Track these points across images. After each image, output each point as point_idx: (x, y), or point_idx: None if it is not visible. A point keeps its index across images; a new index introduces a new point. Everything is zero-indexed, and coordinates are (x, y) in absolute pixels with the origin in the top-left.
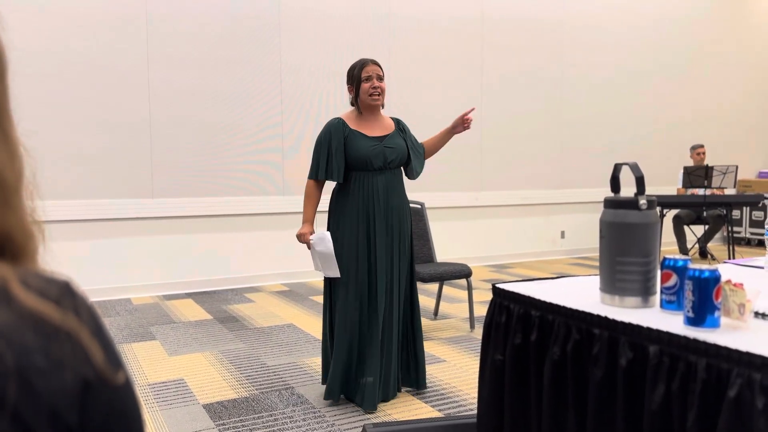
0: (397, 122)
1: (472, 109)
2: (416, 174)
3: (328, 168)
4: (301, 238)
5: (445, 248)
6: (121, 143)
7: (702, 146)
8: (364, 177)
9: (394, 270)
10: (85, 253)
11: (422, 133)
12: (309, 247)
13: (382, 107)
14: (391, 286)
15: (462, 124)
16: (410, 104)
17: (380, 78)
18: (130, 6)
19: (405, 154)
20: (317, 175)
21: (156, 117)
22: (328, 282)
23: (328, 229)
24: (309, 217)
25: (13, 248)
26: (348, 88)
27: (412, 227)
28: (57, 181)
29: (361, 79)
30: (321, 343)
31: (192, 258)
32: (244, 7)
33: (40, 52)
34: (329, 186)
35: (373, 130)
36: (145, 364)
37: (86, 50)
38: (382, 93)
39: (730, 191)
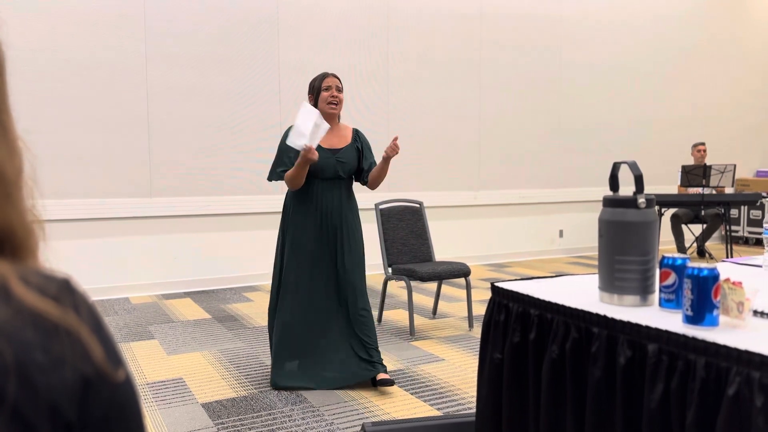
0: (356, 134)
1: (396, 138)
2: (365, 181)
3: (282, 172)
4: (309, 152)
5: (444, 247)
6: (119, 142)
7: (703, 144)
8: (315, 184)
9: (347, 281)
10: (82, 252)
11: (420, 131)
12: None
13: (338, 119)
14: (333, 287)
15: (392, 149)
16: (408, 102)
17: (339, 90)
18: (128, 5)
19: (355, 167)
20: (272, 177)
21: (154, 116)
22: (277, 282)
23: (282, 230)
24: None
25: (13, 244)
26: (309, 97)
27: (361, 233)
28: (55, 180)
29: (321, 89)
30: (268, 331)
31: (190, 257)
32: (243, 5)
33: (37, 50)
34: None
35: (329, 141)
36: (144, 364)
37: (84, 49)
38: (339, 103)
39: (728, 190)
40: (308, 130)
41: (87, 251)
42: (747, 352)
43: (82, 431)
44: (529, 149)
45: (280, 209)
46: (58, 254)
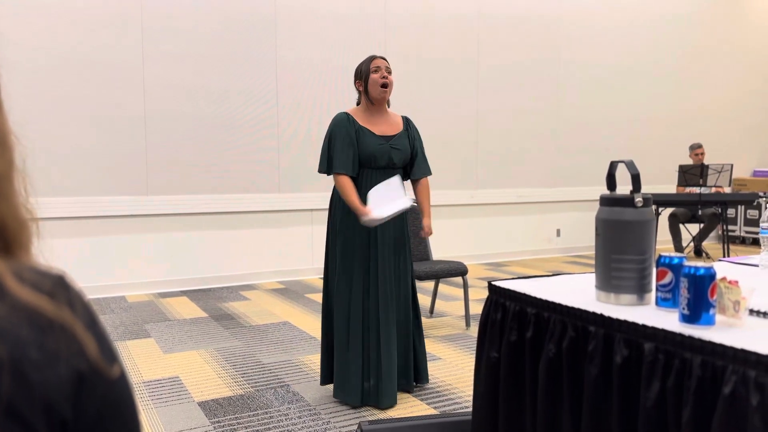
0: (407, 121)
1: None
2: (421, 174)
3: (344, 160)
4: (369, 216)
5: (441, 246)
6: (116, 140)
7: (701, 146)
8: (367, 174)
9: (399, 269)
10: (79, 250)
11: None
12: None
13: (388, 105)
14: (394, 285)
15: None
16: (405, 101)
17: (389, 71)
18: (125, 2)
19: (409, 156)
20: (332, 168)
21: (151, 113)
22: (328, 280)
23: (331, 224)
24: (358, 201)
25: (6, 237)
26: (356, 84)
27: (409, 226)
28: (51, 178)
29: (370, 71)
30: (321, 343)
31: (187, 255)
32: (240, 3)
33: (35, 48)
34: (328, 182)
35: (381, 128)
36: (140, 362)
37: (81, 46)
38: (390, 85)
39: (725, 190)
40: (388, 203)
41: (83, 249)
42: (743, 351)
43: (77, 427)
44: (527, 148)
45: (277, 208)
46: (55, 252)
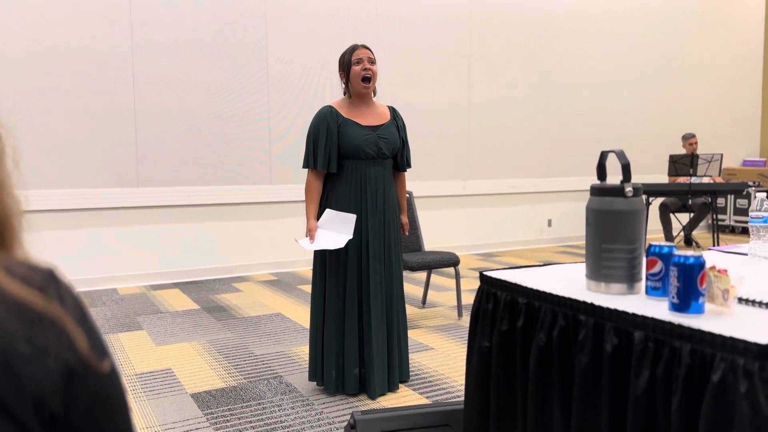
0: (393, 111)
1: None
2: (406, 166)
3: (323, 158)
4: (313, 233)
5: (433, 237)
6: (106, 132)
7: (693, 136)
8: (356, 166)
9: (392, 260)
10: (70, 243)
11: (409, 121)
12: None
13: (374, 94)
14: (384, 277)
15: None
16: (398, 96)
17: (371, 61)
18: None
19: (398, 145)
20: (315, 164)
21: (141, 106)
22: (320, 272)
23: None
24: (313, 213)
25: None
26: (339, 75)
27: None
28: (41, 171)
29: (352, 63)
30: (310, 335)
31: (179, 248)
32: None
33: (23, 39)
34: None
35: (366, 119)
36: (132, 354)
37: (70, 38)
38: (373, 77)
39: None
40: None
41: (74, 242)
42: (732, 339)
43: (67, 421)
44: (519, 139)
45: (268, 199)
46: (45, 245)
